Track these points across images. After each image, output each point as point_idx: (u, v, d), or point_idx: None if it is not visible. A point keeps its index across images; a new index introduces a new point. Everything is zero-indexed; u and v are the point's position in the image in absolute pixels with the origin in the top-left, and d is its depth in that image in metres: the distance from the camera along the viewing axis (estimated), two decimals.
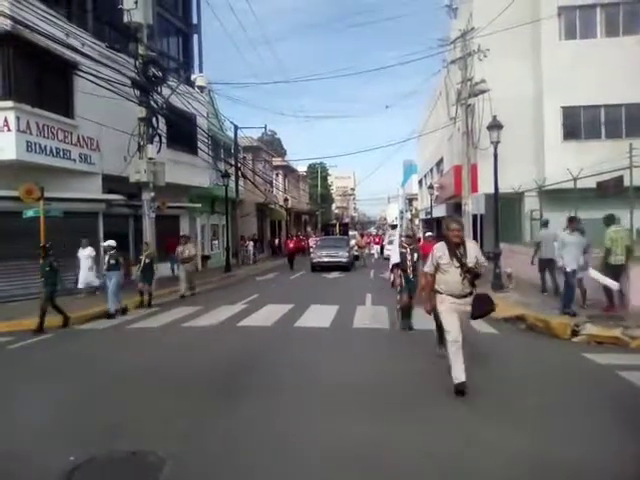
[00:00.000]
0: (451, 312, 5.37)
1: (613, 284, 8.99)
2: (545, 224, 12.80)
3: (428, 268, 5.60)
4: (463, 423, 4.62)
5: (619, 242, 9.41)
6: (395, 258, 9.03)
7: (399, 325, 9.01)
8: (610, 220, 9.66)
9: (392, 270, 9.24)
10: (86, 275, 13.62)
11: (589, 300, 9.97)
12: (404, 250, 8.79)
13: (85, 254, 13.65)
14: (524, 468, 3.78)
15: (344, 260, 22.46)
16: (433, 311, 5.87)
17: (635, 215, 10.75)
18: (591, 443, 4.16)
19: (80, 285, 13.56)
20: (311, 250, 26.09)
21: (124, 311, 11.43)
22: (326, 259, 22.52)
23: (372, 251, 33.25)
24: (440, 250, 5.44)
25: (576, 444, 4.15)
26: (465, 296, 5.39)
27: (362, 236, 31.10)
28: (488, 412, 4.90)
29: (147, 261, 12.69)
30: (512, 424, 4.56)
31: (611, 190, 12.07)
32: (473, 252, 5.41)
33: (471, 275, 5.32)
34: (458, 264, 5.30)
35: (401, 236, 9.39)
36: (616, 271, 9.26)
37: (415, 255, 8.69)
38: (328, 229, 39.89)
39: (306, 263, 24.37)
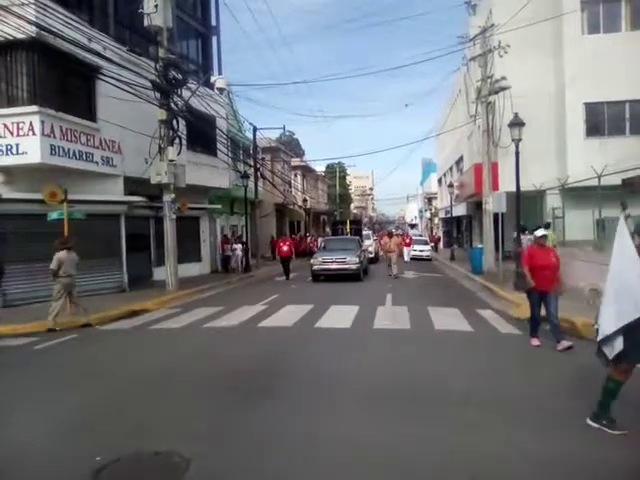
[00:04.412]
0: None
1: None
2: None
3: None
4: (494, 425, 4.56)
5: (549, 241, 12.77)
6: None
7: None
8: (546, 226, 14.39)
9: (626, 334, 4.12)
10: None
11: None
12: None
13: None
14: (557, 472, 3.74)
15: (353, 267, 18.08)
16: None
17: None
18: (624, 445, 4.08)
19: None
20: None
21: None
22: (331, 266, 18.26)
23: (404, 256, 27.23)
24: None
25: (607, 447, 4.07)
26: None
27: (390, 236, 22.13)
28: (519, 415, 4.85)
29: None
30: (544, 427, 4.50)
31: (637, 187, 11.84)
32: None
33: None
34: None
35: None
36: None
37: None
38: (336, 228, 33.45)
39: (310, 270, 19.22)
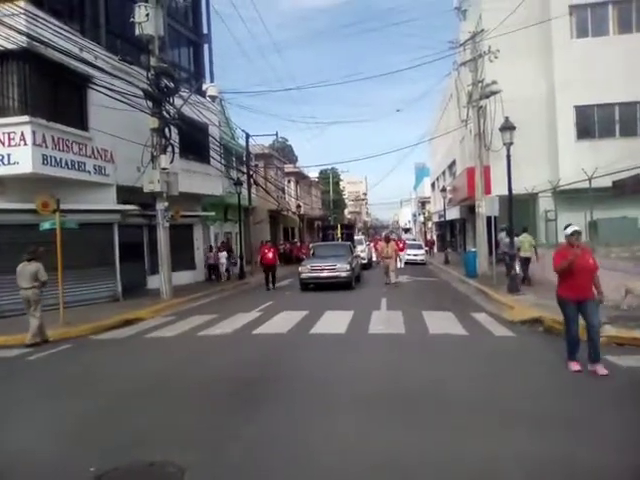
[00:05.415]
0: None
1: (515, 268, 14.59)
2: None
3: None
4: (492, 428, 4.57)
5: (525, 244, 15.10)
6: None
7: None
8: (524, 230, 15.59)
9: None
10: None
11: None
12: None
13: None
14: (556, 474, 3.75)
15: (344, 274, 17.12)
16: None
17: None
18: (617, 449, 4.09)
19: None
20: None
21: None
22: (320, 273, 17.28)
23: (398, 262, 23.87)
24: None
25: (603, 450, 4.08)
26: None
27: (388, 241, 19.77)
28: (516, 417, 4.86)
29: None
30: (541, 429, 4.51)
31: (627, 189, 11.95)
32: None
33: None
34: None
35: None
36: (525, 261, 15.19)
37: None
38: (327, 233, 31.59)
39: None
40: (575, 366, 6.29)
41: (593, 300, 6.28)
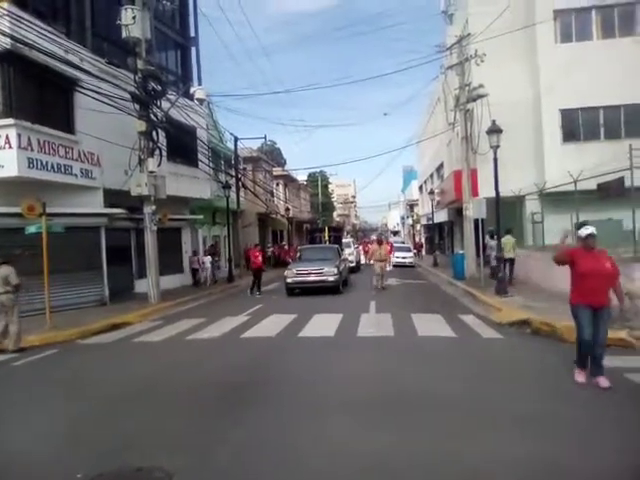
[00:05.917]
0: None
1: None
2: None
3: None
4: (481, 431, 4.58)
5: (508, 245, 15.44)
6: None
7: None
8: (507, 232, 15.76)
9: None
10: None
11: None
12: None
13: None
14: (548, 477, 3.77)
15: (331, 278, 16.72)
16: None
17: (637, 216, 10.74)
18: (601, 449, 4.13)
19: None
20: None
21: None
22: (307, 278, 16.84)
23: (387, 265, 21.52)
24: None
25: (585, 450, 4.12)
26: None
27: (380, 243, 19.23)
28: (505, 419, 4.88)
29: None
30: (528, 431, 4.53)
31: (612, 192, 12.08)
32: None
33: None
34: None
35: None
36: (509, 262, 15.55)
37: None
38: (314, 236, 30.81)
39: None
40: (580, 377, 5.92)
41: (608, 308, 5.82)
